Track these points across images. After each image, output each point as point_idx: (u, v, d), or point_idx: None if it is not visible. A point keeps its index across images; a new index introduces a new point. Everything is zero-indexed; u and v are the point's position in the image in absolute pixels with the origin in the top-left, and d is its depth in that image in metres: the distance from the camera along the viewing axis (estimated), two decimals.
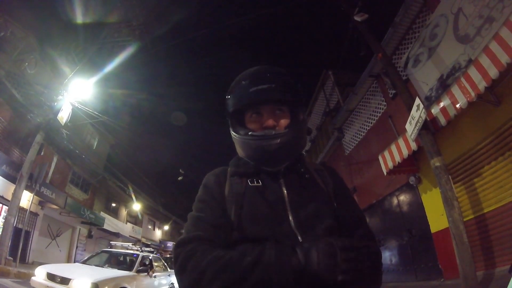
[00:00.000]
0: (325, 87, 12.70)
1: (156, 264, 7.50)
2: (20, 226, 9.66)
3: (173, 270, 8.07)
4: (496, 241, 4.88)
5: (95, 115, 11.53)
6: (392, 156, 6.43)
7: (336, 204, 0.94)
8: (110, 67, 11.18)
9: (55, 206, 11.68)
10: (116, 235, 16.93)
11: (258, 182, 0.91)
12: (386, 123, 8.03)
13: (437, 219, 6.07)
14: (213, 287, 0.67)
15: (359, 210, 0.99)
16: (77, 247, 14.24)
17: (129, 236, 19.46)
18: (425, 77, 6.46)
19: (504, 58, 3.84)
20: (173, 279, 8.02)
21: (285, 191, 0.90)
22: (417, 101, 5.27)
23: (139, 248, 7.77)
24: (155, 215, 25.88)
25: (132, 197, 19.87)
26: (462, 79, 4.51)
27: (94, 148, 17.03)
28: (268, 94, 0.90)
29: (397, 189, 7.72)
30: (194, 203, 0.92)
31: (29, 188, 9.38)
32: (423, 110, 5.04)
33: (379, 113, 8.55)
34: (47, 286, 4.80)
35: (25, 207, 9.64)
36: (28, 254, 10.56)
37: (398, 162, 6.25)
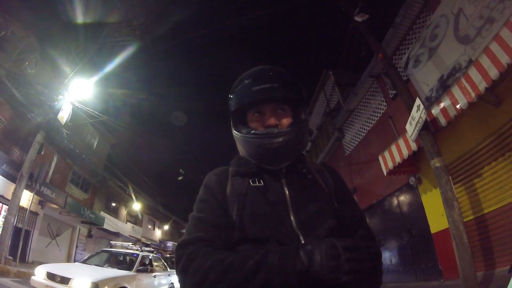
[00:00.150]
0: (326, 87, 12.70)
1: (156, 263, 7.51)
2: (20, 225, 9.67)
3: (173, 270, 8.10)
4: (496, 241, 4.88)
5: (96, 114, 11.53)
6: (392, 156, 6.43)
7: (336, 204, 0.94)
8: (110, 67, 11.20)
9: (55, 206, 11.68)
10: (116, 235, 16.94)
11: (259, 182, 0.91)
12: (386, 124, 8.03)
13: (437, 219, 6.07)
14: None
15: (360, 211, 1.00)
16: (77, 247, 14.25)
17: (129, 235, 19.46)
18: (425, 77, 6.46)
19: (504, 59, 3.84)
20: (173, 279, 8.03)
21: (287, 192, 0.90)
22: (418, 101, 5.27)
23: (139, 248, 7.77)
24: (155, 215, 25.88)
25: (132, 197, 19.88)
26: (463, 80, 4.51)
27: (94, 147, 17.04)
28: (270, 93, 0.90)
29: (397, 189, 7.72)
30: (195, 203, 0.92)
31: (29, 187, 9.39)
32: (424, 110, 5.04)
33: (380, 113, 8.55)
34: (47, 286, 4.80)
35: (25, 206, 9.64)
36: (28, 253, 10.57)
37: (398, 163, 6.25)
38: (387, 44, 7.37)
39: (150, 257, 7.26)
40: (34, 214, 11.10)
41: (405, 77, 7.01)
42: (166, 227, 29.31)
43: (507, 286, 1.34)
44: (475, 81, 4.26)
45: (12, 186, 8.98)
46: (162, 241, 26.66)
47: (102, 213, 16.44)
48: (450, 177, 5.06)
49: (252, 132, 0.92)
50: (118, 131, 16.78)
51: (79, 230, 14.55)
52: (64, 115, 10.00)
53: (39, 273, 5.07)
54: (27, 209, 9.57)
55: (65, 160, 13.78)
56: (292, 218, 0.84)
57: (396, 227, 7.74)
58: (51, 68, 12.05)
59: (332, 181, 1.00)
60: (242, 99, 0.94)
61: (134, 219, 22.35)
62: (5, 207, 9.10)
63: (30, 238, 10.82)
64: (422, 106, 5.11)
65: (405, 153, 6.01)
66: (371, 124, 9.00)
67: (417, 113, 5.19)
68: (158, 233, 27.55)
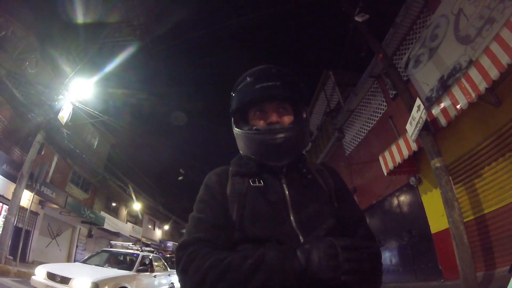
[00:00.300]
0: (326, 87, 12.70)
1: (156, 263, 7.50)
2: (20, 225, 9.68)
3: (173, 270, 8.10)
4: (496, 242, 4.88)
5: (96, 114, 11.54)
6: (392, 156, 6.43)
7: (336, 204, 0.94)
8: (110, 66, 11.19)
9: (55, 206, 11.68)
10: (116, 235, 16.93)
11: (259, 182, 0.91)
12: (386, 124, 8.03)
13: (437, 219, 6.06)
14: None
15: (360, 211, 1.00)
16: (77, 247, 14.25)
17: (129, 235, 19.46)
18: (425, 77, 6.46)
19: (504, 59, 3.84)
20: (173, 279, 8.03)
21: (287, 192, 0.90)
22: (418, 101, 5.27)
23: (139, 248, 7.77)
24: (155, 215, 25.88)
25: (132, 197, 19.88)
26: (463, 80, 4.51)
27: (95, 147, 17.05)
28: (272, 91, 0.92)
29: (397, 189, 7.72)
30: (195, 203, 0.92)
31: (29, 187, 9.39)
32: (424, 110, 5.04)
33: (380, 113, 8.55)
34: (47, 286, 4.80)
35: (25, 206, 9.65)
36: (28, 253, 10.57)
37: (399, 163, 6.25)
38: (387, 44, 7.36)
39: (150, 257, 7.25)
40: (34, 214, 11.10)
41: (406, 77, 7.01)
42: (166, 227, 29.32)
43: (507, 286, 1.34)
44: (475, 81, 4.26)
45: (13, 186, 8.98)
46: (162, 241, 26.66)
47: (102, 213, 16.45)
48: (450, 177, 5.06)
49: (254, 128, 0.93)
50: (119, 131, 16.80)
51: (79, 230, 14.55)
52: (64, 115, 10.01)
53: (39, 273, 5.07)
54: (27, 209, 9.58)
55: (65, 160, 13.79)
56: (292, 218, 0.84)
57: (396, 227, 7.74)
58: (51, 68, 12.06)
59: (332, 181, 1.00)
60: (245, 96, 0.95)
61: (134, 219, 22.35)
62: (5, 207, 9.10)
63: (30, 238, 10.82)
64: (422, 106, 5.11)
65: (405, 153, 6.01)
66: (372, 124, 9.00)
67: (418, 113, 5.19)
68: (158, 233, 27.55)
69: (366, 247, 0.70)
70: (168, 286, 7.68)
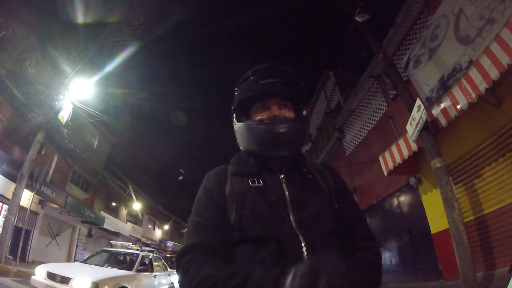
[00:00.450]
0: (326, 88, 12.70)
1: (156, 263, 7.50)
2: (20, 225, 9.68)
3: (173, 270, 8.10)
4: (496, 242, 4.88)
5: (96, 114, 11.54)
6: (392, 156, 6.43)
7: (336, 205, 0.94)
8: (110, 66, 11.18)
9: (55, 205, 11.69)
10: (116, 235, 16.93)
11: (259, 182, 0.91)
12: (386, 124, 8.03)
13: (437, 220, 6.06)
14: None
15: (360, 211, 1.00)
16: (77, 246, 14.25)
17: (129, 235, 19.46)
18: (426, 78, 6.46)
19: (505, 59, 3.84)
20: (173, 279, 8.03)
21: (286, 191, 0.90)
22: (418, 102, 5.27)
23: (139, 248, 7.77)
24: (155, 215, 25.88)
25: (132, 197, 19.88)
26: (463, 80, 4.51)
27: (95, 147, 17.05)
28: (275, 88, 0.95)
29: (398, 189, 7.71)
30: (194, 205, 0.93)
31: (29, 187, 9.40)
32: (424, 111, 5.04)
33: (380, 113, 8.55)
34: (47, 285, 4.80)
35: (25, 206, 9.65)
36: (28, 253, 10.57)
37: (399, 163, 6.25)
38: (387, 44, 7.36)
39: (150, 257, 7.25)
40: (34, 213, 11.10)
41: (406, 77, 7.01)
42: (166, 227, 29.31)
43: (507, 286, 1.34)
44: (475, 81, 4.26)
45: (13, 186, 8.99)
46: (162, 241, 26.66)
47: (102, 213, 16.45)
48: (450, 177, 5.07)
49: (258, 119, 0.95)
50: (119, 131, 16.80)
51: (79, 230, 14.55)
52: (64, 115, 10.01)
53: (39, 273, 5.07)
54: (27, 208, 9.57)
55: (66, 160, 13.79)
56: (291, 218, 0.84)
57: (396, 227, 7.74)
58: (51, 68, 12.07)
59: (332, 181, 1.00)
60: (248, 92, 0.98)
61: (134, 218, 22.35)
62: (5, 206, 9.10)
63: (30, 237, 10.82)
64: (422, 107, 5.11)
65: (406, 153, 6.01)
66: (372, 124, 9.00)
67: (418, 114, 5.19)
68: (158, 233, 27.55)
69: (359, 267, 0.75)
70: (168, 286, 7.68)
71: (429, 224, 6.38)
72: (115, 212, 19.40)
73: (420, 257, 6.78)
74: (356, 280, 0.79)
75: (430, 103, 6.08)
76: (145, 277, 6.52)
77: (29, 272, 7.17)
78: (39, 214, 11.47)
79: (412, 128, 5.41)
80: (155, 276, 7.02)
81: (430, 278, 6.27)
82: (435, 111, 5.21)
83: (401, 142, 6.16)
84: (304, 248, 0.78)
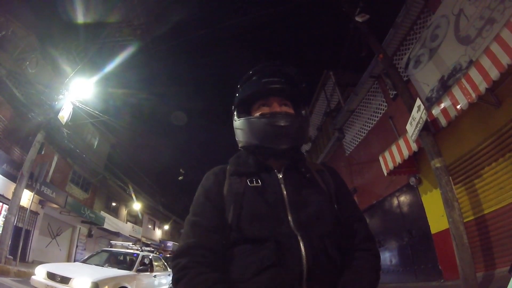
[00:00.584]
0: (326, 88, 12.70)
1: (156, 263, 7.50)
2: (20, 225, 9.68)
3: None
4: (496, 242, 4.87)
5: (96, 114, 11.54)
6: (392, 156, 6.42)
7: (336, 205, 0.94)
8: (110, 66, 11.19)
9: (55, 205, 11.69)
10: (116, 235, 16.93)
11: (257, 182, 0.91)
12: (386, 124, 8.03)
13: (437, 220, 6.06)
14: None
15: (359, 212, 1.00)
16: (77, 246, 14.25)
17: (129, 235, 19.46)
18: (426, 78, 6.46)
19: (505, 60, 3.84)
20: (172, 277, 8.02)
21: (285, 191, 0.90)
22: (418, 102, 5.27)
23: (139, 248, 7.77)
24: (155, 215, 25.89)
25: (132, 197, 19.89)
26: (463, 80, 4.51)
27: (95, 147, 17.05)
28: (277, 86, 0.98)
29: (398, 189, 7.71)
30: (192, 204, 0.94)
31: (29, 187, 9.39)
32: (424, 111, 5.04)
33: (380, 113, 8.55)
34: (47, 285, 4.80)
35: (25, 206, 9.65)
36: (28, 253, 10.57)
37: (399, 163, 6.25)
38: (387, 44, 7.36)
39: (150, 257, 7.25)
40: (35, 213, 11.10)
41: (406, 77, 7.01)
42: (166, 227, 29.32)
43: (507, 287, 1.34)
44: (475, 81, 4.26)
45: (13, 186, 8.99)
46: (162, 241, 26.66)
47: (102, 213, 16.46)
48: (450, 177, 5.06)
49: (259, 113, 0.98)
50: (119, 131, 16.81)
51: (79, 230, 14.55)
52: (64, 115, 10.01)
53: (39, 273, 5.07)
54: (27, 208, 9.57)
55: (66, 160, 13.79)
56: (290, 218, 0.84)
57: (396, 227, 7.74)
58: (51, 68, 12.07)
59: (332, 182, 1.00)
60: (250, 89, 1.01)
61: (134, 218, 22.36)
62: (5, 206, 9.10)
63: (30, 237, 10.82)
64: (422, 107, 5.10)
65: (406, 153, 6.00)
66: (372, 124, 9.00)
67: (418, 114, 5.19)
68: (158, 233, 27.56)
69: None
70: (168, 286, 7.67)
71: (429, 224, 6.38)
72: (115, 212, 19.40)
73: (420, 257, 6.78)
74: (356, 281, 0.79)
75: (430, 103, 6.08)
76: (145, 277, 6.52)
77: (29, 272, 7.17)
78: (39, 214, 11.47)
79: (412, 128, 5.41)
80: (155, 276, 7.02)
81: (430, 278, 6.27)
82: (435, 111, 5.21)
83: (401, 142, 6.16)
84: (302, 248, 0.77)
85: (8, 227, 8.16)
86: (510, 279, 1.36)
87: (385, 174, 6.81)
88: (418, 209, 6.86)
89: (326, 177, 1.01)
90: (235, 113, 1.05)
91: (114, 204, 19.60)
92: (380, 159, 6.88)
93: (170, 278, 7.88)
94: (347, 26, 7.42)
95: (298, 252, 0.77)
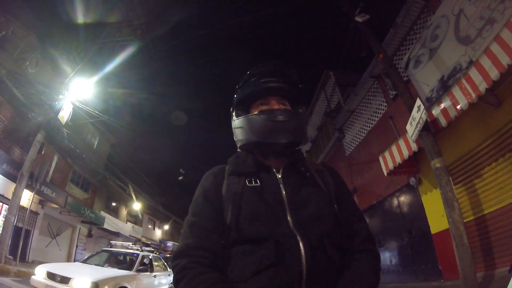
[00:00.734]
0: (326, 88, 12.70)
1: (156, 263, 7.50)
2: (20, 225, 9.68)
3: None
4: (496, 242, 4.87)
5: (96, 114, 11.54)
6: (392, 156, 6.42)
7: (336, 205, 0.94)
8: (111, 66, 11.19)
9: (55, 205, 11.69)
10: (116, 235, 16.93)
11: (256, 182, 0.91)
12: (386, 124, 8.02)
13: (437, 220, 6.06)
14: None
15: (359, 212, 1.00)
16: (77, 246, 14.25)
17: (129, 235, 19.46)
18: (426, 78, 6.46)
19: (505, 60, 3.84)
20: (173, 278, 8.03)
21: (284, 191, 0.90)
22: (418, 102, 5.27)
23: (139, 248, 7.77)
24: (155, 215, 25.89)
25: (132, 197, 19.89)
26: (463, 80, 4.51)
27: (95, 147, 17.05)
28: (275, 86, 1.00)
29: (398, 190, 7.71)
30: (191, 205, 0.94)
31: (29, 187, 9.39)
32: (424, 111, 5.04)
33: (380, 113, 8.55)
34: (47, 285, 4.80)
35: (25, 206, 9.65)
36: (28, 253, 10.57)
37: (399, 163, 6.25)
38: (387, 44, 7.36)
39: (150, 257, 7.25)
40: (34, 213, 11.10)
41: (406, 77, 7.01)
42: (166, 227, 29.33)
43: (507, 287, 1.34)
44: (475, 81, 4.26)
45: (13, 186, 8.99)
46: (162, 241, 26.67)
47: (102, 213, 16.46)
48: (450, 177, 5.06)
49: (258, 111, 0.99)
50: (119, 131, 16.82)
51: (79, 230, 14.55)
52: (64, 115, 10.01)
53: (39, 273, 5.07)
54: (27, 208, 9.57)
55: (66, 160, 13.79)
56: (289, 218, 0.84)
57: (396, 227, 7.74)
58: (51, 68, 12.06)
59: (332, 182, 1.00)
60: (249, 89, 1.02)
61: (134, 218, 22.36)
62: (5, 206, 9.10)
63: (30, 237, 10.82)
64: (422, 107, 5.10)
65: (406, 153, 6.00)
66: (372, 124, 9.00)
67: (418, 114, 5.19)
68: (158, 233, 27.56)
69: None
70: (168, 286, 7.68)
71: (429, 224, 6.38)
72: (115, 212, 19.40)
73: (420, 257, 6.78)
74: (356, 281, 0.79)
75: (430, 103, 6.07)
76: (145, 277, 6.52)
77: (29, 272, 7.17)
78: (39, 214, 11.47)
79: (412, 128, 5.41)
80: (155, 276, 7.02)
81: (430, 278, 6.27)
82: (435, 111, 5.20)
83: (401, 142, 6.15)
84: (302, 248, 0.77)
85: (8, 227, 8.16)
86: (510, 279, 1.36)
87: (385, 174, 6.80)
88: (418, 209, 6.86)
89: (326, 177, 1.01)
90: (233, 113, 1.06)
91: (114, 204, 19.60)
92: (380, 159, 6.88)
93: (170, 278, 7.90)
94: (347, 26, 7.43)
95: (298, 252, 0.77)
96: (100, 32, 11.29)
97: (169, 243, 26.01)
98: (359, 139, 9.75)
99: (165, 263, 8.55)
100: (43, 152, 10.95)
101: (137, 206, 20.74)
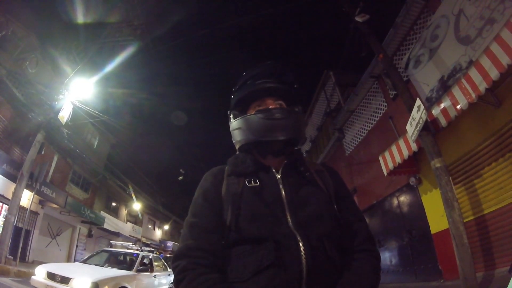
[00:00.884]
0: (326, 88, 12.70)
1: (156, 263, 7.50)
2: (20, 225, 9.68)
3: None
4: (496, 242, 4.87)
5: (96, 114, 11.54)
6: (392, 156, 6.42)
7: (336, 206, 0.94)
8: (110, 66, 11.19)
9: (55, 205, 11.68)
10: (116, 235, 16.93)
11: (255, 182, 0.91)
12: (386, 124, 8.03)
13: (437, 220, 6.06)
14: None
15: (359, 212, 1.00)
16: (77, 246, 14.25)
17: (129, 235, 19.46)
18: (426, 78, 6.46)
19: (505, 60, 3.84)
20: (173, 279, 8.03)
21: (283, 191, 0.90)
22: (418, 102, 5.27)
23: (139, 248, 7.77)
24: (155, 215, 25.89)
25: (132, 197, 19.89)
26: (463, 80, 4.51)
27: (95, 147, 17.05)
28: (271, 87, 1.00)
29: (398, 190, 7.71)
30: (191, 205, 0.94)
31: (29, 187, 9.40)
32: (424, 111, 5.04)
33: (380, 113, 8.55)
34: (47, 285, 4.80)
35: (25, 206, 9.65)
36: (28, 253, 10.57)
37: (399, 163, 6.25)
38: (387, 44, 7.36)
39: (150, 257, 7.25)
40: (34, 213, 11.10)
41: (406, 77, 7.01)
42: (166, 227, 29.32)
43: (507, 287, 1.34)
44: (475, 81, 4.26)
45: (13, 186, 8.99)
46: (162, 241, 26.66)
47: (102, 213, 16.46)
48: (450, 177, 5.06)
49: (256, 111, 1.00)
50: (119, 131, 16.79)
51: (79, 230, 14.55)
52: (64, 115, 10.01)
53: (39, 273, 5.07)
54: (27, 208, 9.58)
55: (66, 160, 13.79)
56: (288, 218, 0.84)
57: (396, 227, 7.74)
58: (51, 68, 12.06)
59: (332, 182, 1.00)
60: (245, 91, 1.02)
61: (134, 218, 22.35)
62: (5, 206, 9.10)
63: (30, 237, 10.82)
64: (422, 107, 5.10)
65: (406, 153, 6.00)
66: (372, 124, 9.00)
67: (418, 114, 5.18)
68: (158, 233, 27.55)
69: None
70: (168, 286, 7.68)
71: (429, 224, 6.38)
72: (115, 212, 19.40)
73: (420, 257, 6.78)
74: (356, 282, 0.79)
75: (430, 103, 6.07)
76: (145, 277, 6.52)
77: (29, 272, 7.18)
78: (39, 214, 11.46)
79: (412, 128, 5.41)
80: (155, 276, 7.02)
81: (430, 278, 6.27)
82: (435, 111, 5.20)
83: (401, 142, 6.15)
84: (302, 248, 0.77)
85: (8, 227, 8.16)
86: (510, 279, 1.36)
87: (385, 174, 6.80)
88: (418, 209, 6.86)
89: (326, 177, 1.01)
90: (231, 116, 1.06)
91: (114, 204, 19.60)
92: (380, 159, 6.88)
93: (170, 278, 7.90)
94: (347, 26, 7.43)
95: (297, 252, 0.77)
96: (100, 32, 11.30)
97: (169, 243, 26.00)
98: (359, 139, 9.76)
99: (165, 263, 8.55)
100: (43, 152, 10.97)
101: (137, 206, 20.74)
